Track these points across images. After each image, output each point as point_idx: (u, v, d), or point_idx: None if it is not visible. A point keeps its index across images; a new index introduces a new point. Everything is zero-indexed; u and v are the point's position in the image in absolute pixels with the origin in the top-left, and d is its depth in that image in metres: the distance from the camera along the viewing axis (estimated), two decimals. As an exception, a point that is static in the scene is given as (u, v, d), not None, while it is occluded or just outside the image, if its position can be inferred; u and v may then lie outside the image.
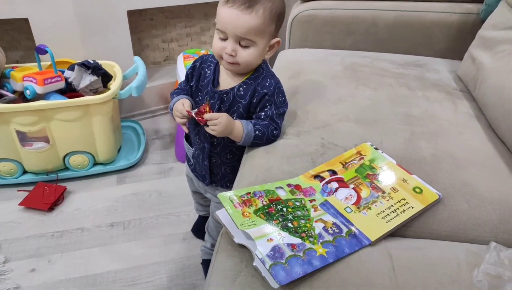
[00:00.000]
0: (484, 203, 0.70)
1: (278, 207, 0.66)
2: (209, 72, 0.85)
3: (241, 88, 0.83)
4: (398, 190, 0.70)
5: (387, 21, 1.31)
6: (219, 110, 0.84)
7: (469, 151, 0.83)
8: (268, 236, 0.59)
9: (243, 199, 0.66)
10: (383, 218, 0.66)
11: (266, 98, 0.82)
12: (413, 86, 1.07)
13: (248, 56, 0.78)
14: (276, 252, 0.57)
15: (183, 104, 0.83)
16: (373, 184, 0.72)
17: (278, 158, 0.81)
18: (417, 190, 0.70)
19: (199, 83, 0.87)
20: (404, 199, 0.69)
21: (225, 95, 0.83)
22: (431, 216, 0.69)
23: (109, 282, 1.12)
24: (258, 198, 0.67)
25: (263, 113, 0.83)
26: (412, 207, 0.67)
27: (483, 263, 0.57)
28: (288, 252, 0.57)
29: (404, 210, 0.67)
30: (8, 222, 1.30)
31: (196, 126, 0.89)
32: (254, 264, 0.57)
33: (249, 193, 0.68)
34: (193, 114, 0.80)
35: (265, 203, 0.66)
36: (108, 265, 1.17)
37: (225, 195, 0.67)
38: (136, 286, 1.11)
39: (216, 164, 0.93)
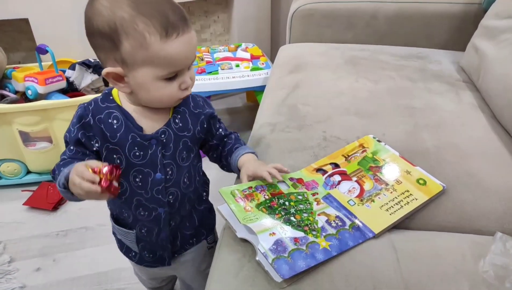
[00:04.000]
0: (489, 193, 0.69)
1: (280, 201, 0.66)
2: (116, 121, 0.62)
3: (177, 120, 0.65)
4: (401, 182, 0.70)
5: (387, 13, 1.30)
6: (162, 158, 0.64)
7: (472, 141, 0.82)
8: (271, 230, 0.59)
9: (245, 193, 0.66)
10: (387, 210, 0.65)
11: (213, 116, 0.71)
12: (414, 78, 1.07)
13: (194, 72, 0.65)
14: (278, 246, 0.57)
15: (86, 165, 0.54)
16: (376, 177, 0.71)
17: (280, 152, 0.80)
18: (421, 181, 0.70)
19: (110, 141, 0.62)
20: (407, 191, 0.68)
21: (163, 136, 0.64)
22: (436, 208, 0.68)
23: (113, 281, 1.12)
24: (260, 192, 0.67)
25: (220, 130, 0.73)
26: (416, 199, 0.67)
27: (489, 253, 0.56)
28: (291, 246, 0.57)
29: (408, 202, 0.66)
30: (13, 222, 1.30)
31: (133, 195, 0.66)
32: (257, 258, 0.57)
33: (251, 187, 0.67)
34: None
35: (267, 197, 0.66)
36: (112, 264, 1.17)
37: (227, 190, 0.66)
38: (140, 284, 1.11)
39: (179, 225, 0.73)
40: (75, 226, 1.29)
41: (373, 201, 0.67)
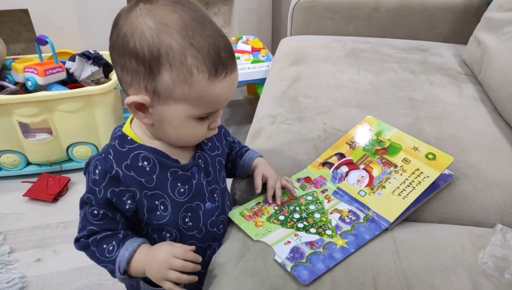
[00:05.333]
0: (490, 186, 0.69)
1: (290, 208, 0.65)
2: (147, 162, 0.54)
3: (205, 140, 0.61)
4: (410, 161, 0.68)
5: (389, 5, 1.29)
6: (208, 185, 0.60)
7: (474, 134, 0.81)
8: (285, 239, 0.59)
9: (254, 210, 0.65)
10: (399, 194, 0.64)
11: (225, 127, 0.69)
12: (416, 70, 1.06)
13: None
14: (295, 253, 0.56)
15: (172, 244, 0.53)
16: (383, 160, 0.70)
17: (280, 143, 0.80)
18: (430, 156, 0.68)
19: (148, 187, 0.54)
20: (418, 170, 0.66)
21: (200, 161, 0.59)
22: (436, 199, 0.68)
23: (114, 271, 1.12)
24: (269, 205, 0.66)
25: (228, 138, 0.70)
26: (428, 177, 0.65)
27: (488, 245, 0.56)
28: (307, 251, 0.57)
29: (420, 181, 0.65)
30: (13, 213, 1.31)
31: (185, 240, 0.58)
32: (275, 258, 0.56)
33: (259, 203, 0.67)
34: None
35: (276, 208, 0.65)
36: (112, 255, 1.17)
37: (235, 212, 0.65)
38: (140, 275, 1.12)
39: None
40: (75, 217, 1.28)
41: (384, 187, 0.66)
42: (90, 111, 1.35)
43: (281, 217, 0.63)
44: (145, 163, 0.54)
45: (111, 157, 0.52)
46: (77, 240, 0.55)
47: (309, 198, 0.67)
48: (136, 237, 0.56)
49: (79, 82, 1.42)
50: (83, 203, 0.54)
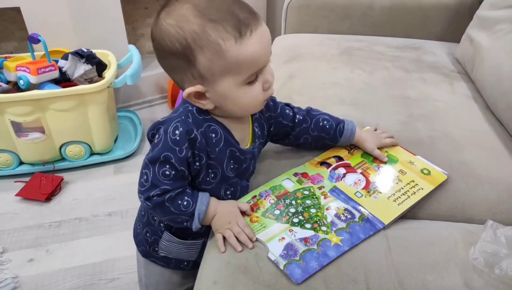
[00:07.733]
0: (482, 183, 0.70)
1: (286, 202, 0.65)
2: (214, 135, 0.59)
3: (256, 129, 0.66)
4: (406, 173, 0.70)
5: (383, 4, 1.29)
6: (251, 168, 0.68)
7: (466, 131, 0.82)
8: (279, 235, 0.59)
9: (250, 204, 0.65)
10: (395, 201, 0.65)
11: (279, 112, 0.71)
12: (409, 68, 1.06)
13: (271, 69, 0.59)
14: (289, 250, 0.56)
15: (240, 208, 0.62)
16: (381, 168, 0.71)
17: (274, 141, 0.80)
18: (425, 171, 0.70)
19: (210, 156, 0.59)
20: (413, 181, 0.68)
21: (256, 150, 0.66)
22: (429, 197, 0.68)
23: (107, 271, 1.12)
24: (265, 199, 0.66)
25: (287, 112, 0.71)
26: (422, 189, 0.67)
27: (479, 241, 0.57)
28: (301, 248, 0.57)
29: (415, 192, 0.66)
30: (6, 213, 1.29)
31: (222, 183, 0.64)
32: (268, 255, 0.56)
33: (255, 196, 0.66)
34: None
35: (272, 201, 0.65)
36: (106, 254, 1.17)
37: None
38: (134, 274, 1.11)
39: None
40: (68, 217, 1.29)
41: (380, 192, 0.67)
42: (83, 110, 1.34)
43: (277, 212, 0.63)
44: (213, 135, 0.59)
45: (190, 121, 0.57)
46: (148, 199, 0.57)
47: (306, 192, 0.67)
48: (201, 191, 0.61)
49: (72, 80, 1.41)
50: (154, 161, 0.56)
